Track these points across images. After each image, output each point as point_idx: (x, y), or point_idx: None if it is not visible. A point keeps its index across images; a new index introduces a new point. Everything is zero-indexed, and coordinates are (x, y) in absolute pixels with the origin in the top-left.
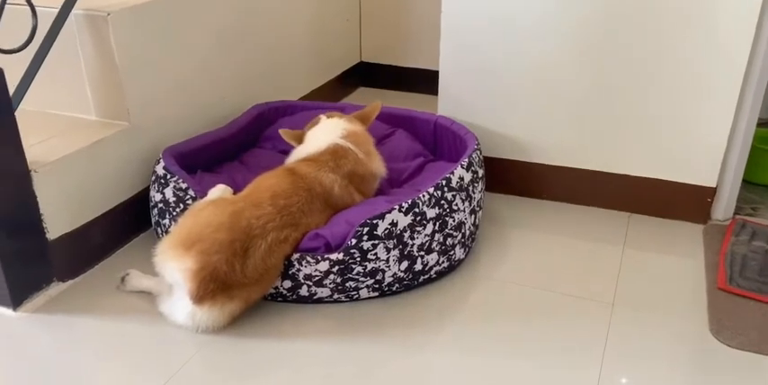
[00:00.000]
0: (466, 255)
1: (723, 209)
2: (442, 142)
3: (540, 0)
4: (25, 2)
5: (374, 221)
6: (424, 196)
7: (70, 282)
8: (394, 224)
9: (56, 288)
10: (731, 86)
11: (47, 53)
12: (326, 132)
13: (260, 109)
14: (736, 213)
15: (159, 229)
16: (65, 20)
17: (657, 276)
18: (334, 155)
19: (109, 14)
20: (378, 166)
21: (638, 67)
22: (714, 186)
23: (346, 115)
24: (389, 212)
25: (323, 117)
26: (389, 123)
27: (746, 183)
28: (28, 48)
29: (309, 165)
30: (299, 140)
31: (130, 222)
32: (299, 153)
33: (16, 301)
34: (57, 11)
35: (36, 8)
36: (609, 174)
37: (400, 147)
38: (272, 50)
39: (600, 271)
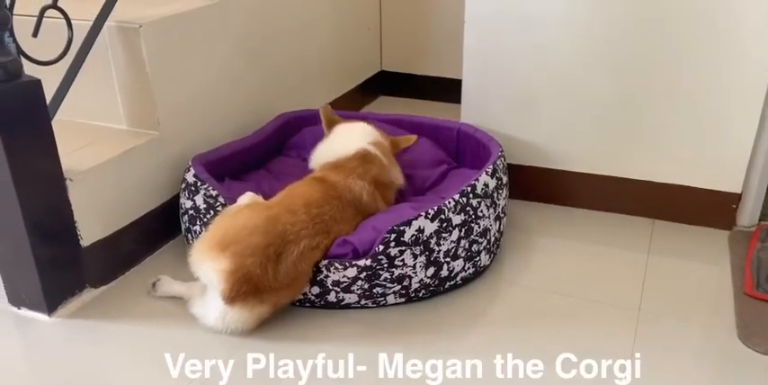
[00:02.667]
0: (491, 262)
1: (748, 215)
2: (465, 149)
3: (564, 8)
4: (61, 15)
5: (401, 228)
6: (449, 203)
7: (102, 288)
8: (420, 230)
9: (89, 294)
10: (756, 91)
11: (81, 64)
12: (358, 136)
13: (285, 118)
14: (761, 219)
15: (190, 235)
16: (99, 32)
17: (683, 282)
18: (362, 160)
19: (141, 26)
20: (398, 176)
21: (662, 73)
22: (739, 192)
23: (382, 131)
24: (416, 219)
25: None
26: (413, 131)
27: None
28: (62, 59)
29: (338, 173)
30: (331, 124)
31: (160, 229)
32: (325, 153)
33: (51, 307)
34: (91, 23)
35: (71, 20)
36: (632, 181)
37: (424, 155)
38: (295, 60)
39: (625, 277)
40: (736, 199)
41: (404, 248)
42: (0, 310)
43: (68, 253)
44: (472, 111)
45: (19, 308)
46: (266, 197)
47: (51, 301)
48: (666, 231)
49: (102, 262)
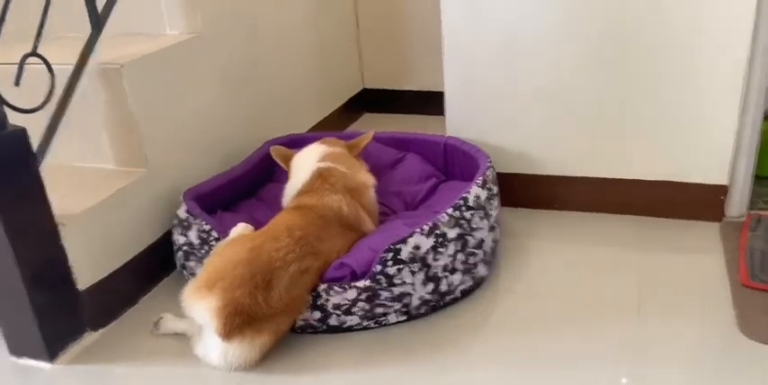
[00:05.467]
0: (488, 272)
1: (737, 205)
2: (453, 162)
3: (539, 17)
4: (42, 61)
5: (397, 246)
6: (443, 217)
7: (102, 330)
8: (417, 247)
9: (89, 337)
10: (734, 85)
11: (65, 109)
12: (306, 160)
13: (271, 145)
14: (749, 209)
15: (185, 271)
16: (80, 75)
17: (679, 277)
18: (321, 177)
19: (122, 66)
20: (364, 177)
21: (641, 73)
22: (726, 184)
23: (335, 140)
24: (411, 236)
25: (316, 142)
26: (399, 148)
27: (756, 177)
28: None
29: (311, 197)
30: (286, 161)
31: (155, 266)
32: (291, 188)
33: (52, 354)
34: (71, 67)
35: (52, 66)
36: (620, 180)
37: (412, 170)
38: (278, 86)
39: (621, 276)
40: (723, 190)
41: (402, 266)
42: (2, 362)
43: (66, 298)
44: (457, 124)
45: (20, 358)
46: (260, 226)
47: (52, 348)
48: (658, 228)
49: (100, 304)
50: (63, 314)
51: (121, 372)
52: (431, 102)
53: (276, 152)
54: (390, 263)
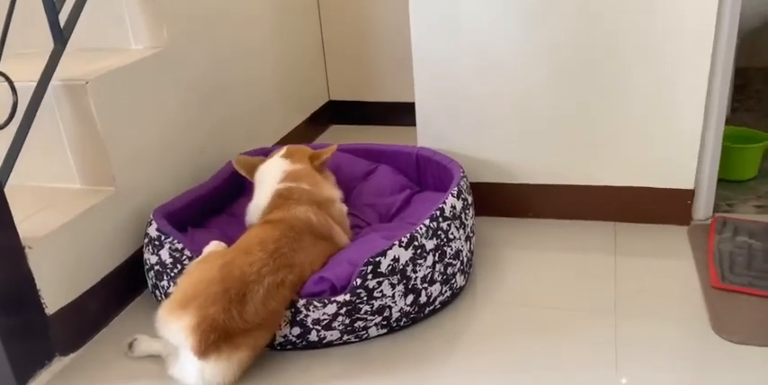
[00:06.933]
0: (466, 282)
1: (703, 208)
2: (426, 173)
3: (508, 29)
4: (3, 78)
5: (377, 259)
6: (421, 229)
7: (72, 355)
8: (396, 259)
9: (58, 363)
10: (697, 92)
11: (29, 128)
12: (267, 180)
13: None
14: (714, 211)
15: (158, 292)
16: (44, 92)
17: (652, 281)
18: (282, 197)
19: (87, 82)
20: (329, 191)
21: (608, 84)
22: (692, 188)
23: (300, 149)
24: (390, 248)
25: (276, 153)
26: (371, 159)
27: (719, 181)
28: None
29: (278, 212)
30: (251, 171)
31: (125, 286)
32: (254, 208)
33: (21, 382)
34: (34, 84)
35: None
36: (590, 187)
37: (385, 182)
38: (244, 100)
39: (596, 282)
40: (690, 195)
41: (381, 279)
42: None
43: (33, 323)
44: (428, 135)
45: None
46: (233, 242)
47: (21, 376)
48: (629, 232)
49: (69, 328)
50: (31, 339)
51: None
52: (397, 114)
53: (240, 163)
54: (370, 276)
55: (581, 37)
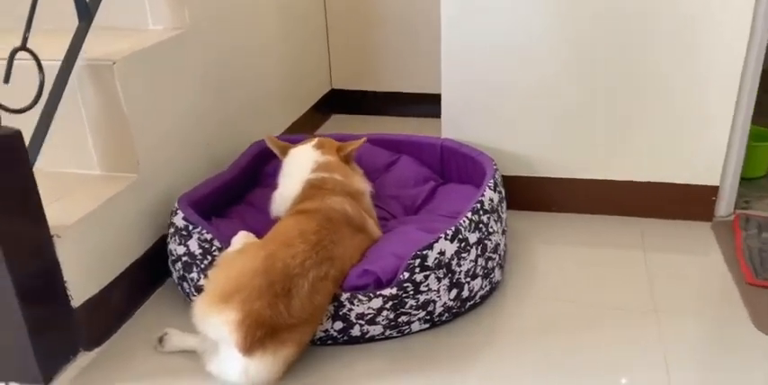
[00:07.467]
0: (502, 276)
1: (725, 205)
2: (450, 165)
3: (536, 21)
4: (31, 56)
5: (424, 252)
6: (464, 221)
7: (97, 349)
8: (442, 253)
9: (84, 358)
10: (729, 89)
11: (56, 108)
12: (297, 170)
13: (258, 147)
14: (735, 208)
15: (186, 284)
16: (71, 71)
17: (685, 277)
18: (315, 187)
19: (114, 63)
20: (360, 183)
21: (638, 77)
22: (717, 185)
23: (329, 141)
24: (437, 241)
25: (307, 142)
26: (391, 150)
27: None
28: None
29: (312, 202)
30: (284, 153)
31: (147, 278)
32: (282, 198)
33: (47, 378)
34: (57, 63)
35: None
36: (615, 182)
37: (408, 173)
38: (253, 87)
39: (630, 278)
40: (714, 191)
41: (428, 273)
42: None
43: (60, 316)
44: (452, 126)
45: (7, 384)
46: (256, 232)
47: (47, 371)
48: (654, 228)
49: (94, 321)
50: (57, 333)
51: None
52: (400, 104)
53: (272, 142)
54: (418, 269)
55: (609, 28)
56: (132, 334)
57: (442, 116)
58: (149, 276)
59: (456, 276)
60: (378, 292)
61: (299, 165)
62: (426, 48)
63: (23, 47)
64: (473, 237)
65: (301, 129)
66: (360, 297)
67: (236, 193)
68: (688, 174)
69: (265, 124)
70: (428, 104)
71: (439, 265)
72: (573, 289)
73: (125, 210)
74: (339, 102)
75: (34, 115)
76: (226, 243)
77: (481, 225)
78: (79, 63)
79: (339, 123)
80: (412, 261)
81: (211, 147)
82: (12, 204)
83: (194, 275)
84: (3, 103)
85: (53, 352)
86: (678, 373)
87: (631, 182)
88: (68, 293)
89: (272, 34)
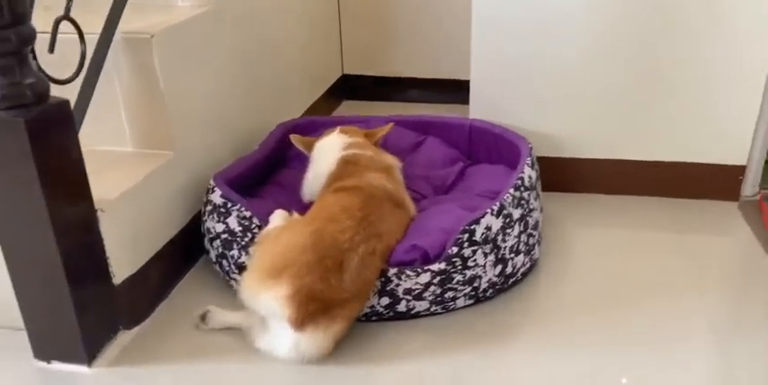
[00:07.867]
0: (540, 254)
1: (750, 185)
2: (479, 145)
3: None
4: (73, 27)
5: (472, 227)
6: (507, 197)
7: (136, 328)
8: (488, 228)
9: (124, 336)
10: (759, 71)
11: (97, 79)
12: (329, 150)
13: (285, 127)
14: (761, 187)
15: (225, 262)
16: (110, 42)
17: (721, 256)
18: (350, 163)
19: (152, 36)
20: (391, 159)
21: (666, 57)
22: (744, 164)
23: (354, 129)
24: (483, 216)
25: (335, 130)
26: (418, 130)
27: None
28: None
29: (350, 179)
30: (309, 148)
31: (182, 256)
32: (315, 178)
33: (90, 356)
34: (94, 36)
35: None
36: (642, 162)
37: (436, 154)
38: (275, 70)
39: (666, 256)
40: (741, 171)
41: (476, 248)
42: (24, 368)
43: (102, 294)
44: (480, 107)
45: (49, 363)
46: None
47: (90, 350)
48: (682, 208)
49: (133, 299)
50: (100, 312)
51: (173, 373)
52: (412, 89)
53: (297, 139)
54: (466, 244)
55: (638, 11)
56: (171, 312)
57: (471, 96)
58: (185, 254)
59: (501, 252)
60: (426, 267)
61: (330, 146)
62: (438, 34)
63: (66, 16)
64: (516, 213)
65: (315, 114)
66: (408, 272)
67: (266, 173)
68: (718, 153)
69: (284, 108)
70: (439, 90)
71: (486, 240)
72: (610, 268)
73: (163, 186)
74: (350, 87)
75: (71, 88)
76: (263, 221)
77: (523, 201)
78: (116, 36)
79: (351, 109)
80: (461, 235)
81: (235, 127)
82: (62, 177)
83: (234, 253)
84: (49, 74)
85: (96, 331)
86: (725, 345)
87: (660, 162)
88: (111, 270)
89: (289, 17)
